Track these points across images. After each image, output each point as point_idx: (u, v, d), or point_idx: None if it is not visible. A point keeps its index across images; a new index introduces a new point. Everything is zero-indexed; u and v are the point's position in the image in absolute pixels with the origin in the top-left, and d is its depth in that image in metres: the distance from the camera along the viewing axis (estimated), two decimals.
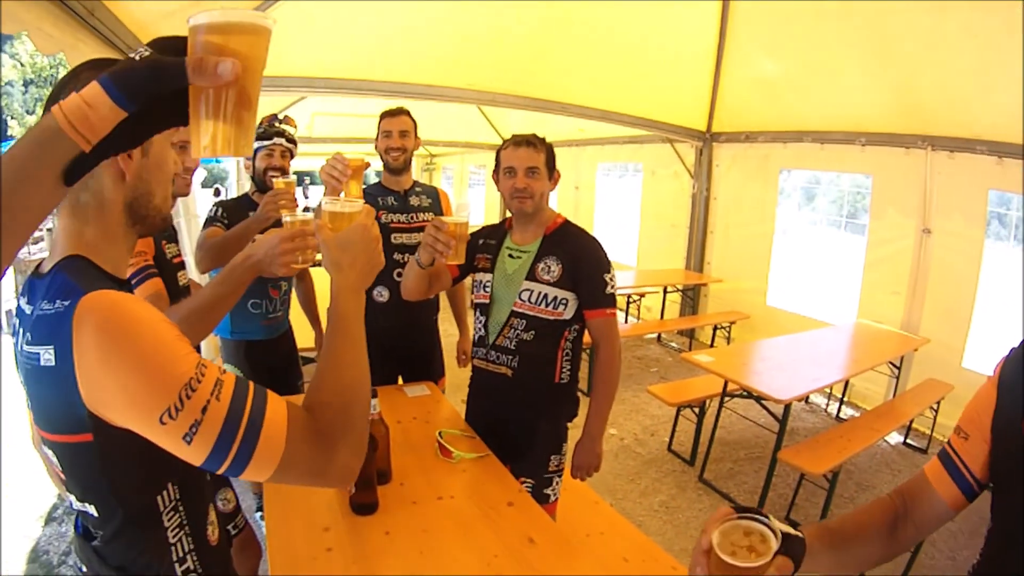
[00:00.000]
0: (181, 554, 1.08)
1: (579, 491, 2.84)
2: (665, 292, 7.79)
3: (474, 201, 16.19)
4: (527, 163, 2.24)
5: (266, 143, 2.81)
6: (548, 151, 2.31)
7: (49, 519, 3.58)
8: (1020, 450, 1.01)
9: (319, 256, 1.22)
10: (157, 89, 0.73)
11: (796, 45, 5.50)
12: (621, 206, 10.26)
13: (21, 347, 0.89)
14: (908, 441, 5.06)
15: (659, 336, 7.85)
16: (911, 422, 4.65)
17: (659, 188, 8.32)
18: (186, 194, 1.10)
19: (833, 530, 1.09)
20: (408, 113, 2.98)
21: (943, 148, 5.02)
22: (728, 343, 6.93)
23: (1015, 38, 3.84)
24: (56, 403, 0.87)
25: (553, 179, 2.33)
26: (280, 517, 1.75)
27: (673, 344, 7.75)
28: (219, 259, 2.52)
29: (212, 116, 0.76)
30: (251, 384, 0.89)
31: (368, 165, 2.35)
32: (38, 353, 0.85)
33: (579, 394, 2.46)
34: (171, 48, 0.77)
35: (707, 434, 4.45)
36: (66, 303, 0.84)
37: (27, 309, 0.91)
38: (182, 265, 2.06)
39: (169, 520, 1.05)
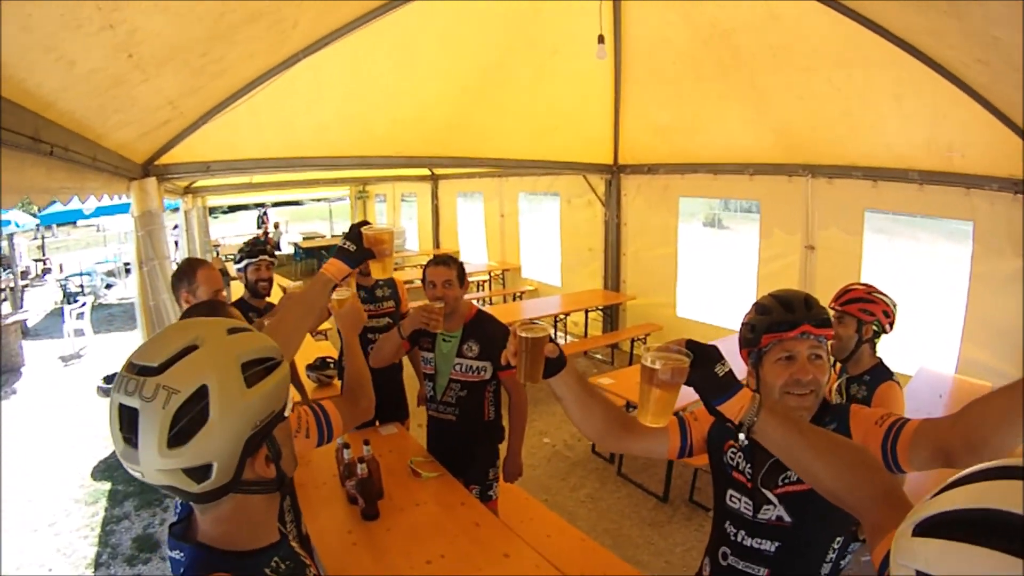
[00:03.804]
0: (293, 536, 2.16)
1: (515, 493, 3.93)
2: (587, 312, 9.05)
3: (408, 229, 17.28)
4: (443, 278, 3.26)
5: (253, 260, 3.85)
6: (459, 267, 3.34)
7: (97, 565, 4.46)
8: (720, 461, 1.88)
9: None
10: (361, 260, 2.11)
11: (680, 100, 6.74)
12: (543, 232, 11.45)
13: None
14: None
15: (585, 351, 9.04)
16: None
17: (575, 215, 9.55)
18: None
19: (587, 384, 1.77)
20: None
21: (822, 175, 6.16)
22: None
23: (871, 93, 5.01)
24: None
25: (464, 287, 3.34)
26: (318, 530, 2.77)
27: (598, 356, 9.02)
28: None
29: (382, 266, 2.19)
30: (313, 404, 1.95)
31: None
32: None
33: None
34: (355, 237, 2.11)
35: None
36: None
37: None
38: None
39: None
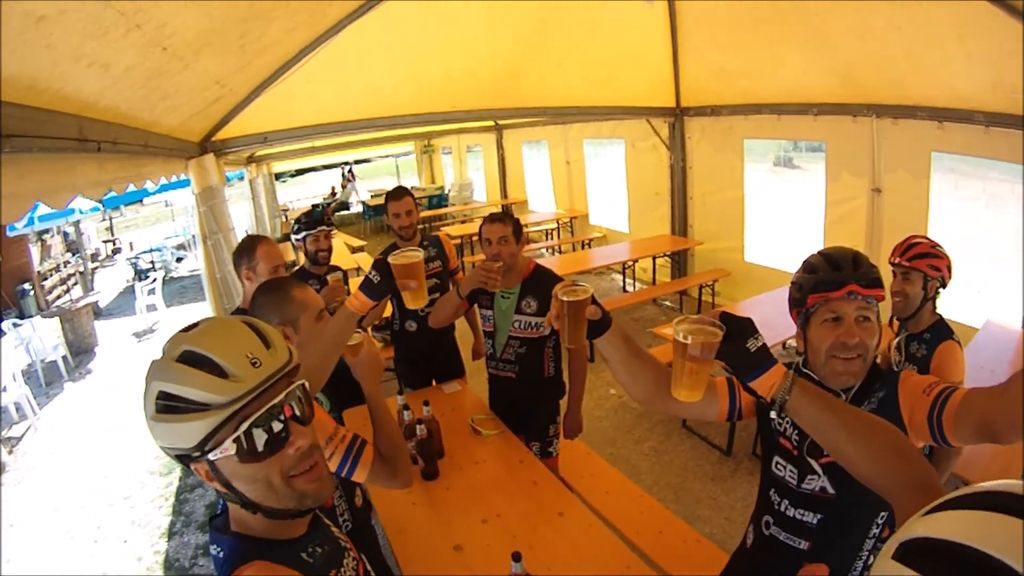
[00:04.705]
0: (342, 511, 2.31)
1: (577, 447, 4.03)
2: (655, 259, 9.03)
3: (476, 180, 17.51)
4: (498, 234, 3.29)
5: (312, 232, 3.98)
6: (515, 223, 3.35)
7: (171, 534, 4.80)
8: (768, 426, 1.88)
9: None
10: (386, 293, 2.00)
11: (738, 42, 6.49)
12: (609, 178, 11.35)
13: None
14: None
15: (654, 299, 9.01)
16: None
17: (640, 160, 9.43)
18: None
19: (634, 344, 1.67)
20: (410, 193, 4.09)
21: (887, 116, 5.92)
22: (713, 298, 8.20)
23: (932, 32, 4.76)
24: None
25: (520, 243, 3.36)
26: (379, 492, 2.91)
27: (667, 303, 8.97)
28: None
29: (412, 295, 2.08)
30: (358, 436, 1.97)
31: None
32: None
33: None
34: (382, 267, 1.98)
35: None
36: None
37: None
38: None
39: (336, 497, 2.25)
